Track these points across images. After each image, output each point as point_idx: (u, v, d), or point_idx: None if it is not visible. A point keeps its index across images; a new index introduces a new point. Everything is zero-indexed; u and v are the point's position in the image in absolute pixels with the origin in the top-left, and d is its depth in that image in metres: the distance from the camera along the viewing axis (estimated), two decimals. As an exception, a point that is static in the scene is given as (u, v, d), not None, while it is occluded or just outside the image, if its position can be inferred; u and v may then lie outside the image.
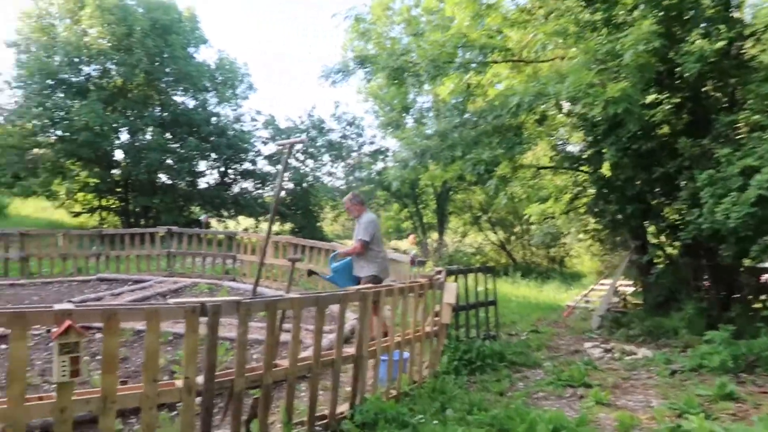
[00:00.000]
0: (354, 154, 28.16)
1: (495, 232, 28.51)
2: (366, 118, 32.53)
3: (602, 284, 11.75)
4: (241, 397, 3.56)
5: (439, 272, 6.65)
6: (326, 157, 28.62)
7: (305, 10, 78.27)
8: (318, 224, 28.87)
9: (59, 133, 22.27)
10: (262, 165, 28.28)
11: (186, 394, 3.30)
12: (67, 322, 2.85)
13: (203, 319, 3.36)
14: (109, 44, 21.43)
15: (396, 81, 8.28)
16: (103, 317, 3.04)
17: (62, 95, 22.31)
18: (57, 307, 3.00)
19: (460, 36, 7.76)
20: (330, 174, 29.06)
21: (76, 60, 21.77)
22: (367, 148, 27.81)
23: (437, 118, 23.37)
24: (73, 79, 22.25)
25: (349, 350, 4.41)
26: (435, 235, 27.90)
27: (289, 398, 3.89)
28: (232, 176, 28.16)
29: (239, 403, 3.55)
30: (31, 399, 2.97)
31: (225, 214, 26.87)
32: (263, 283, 10.58)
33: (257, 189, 28.33)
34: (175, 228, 11.79)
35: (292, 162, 28.55)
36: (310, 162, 28.82)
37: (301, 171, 28.04)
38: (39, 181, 23.34)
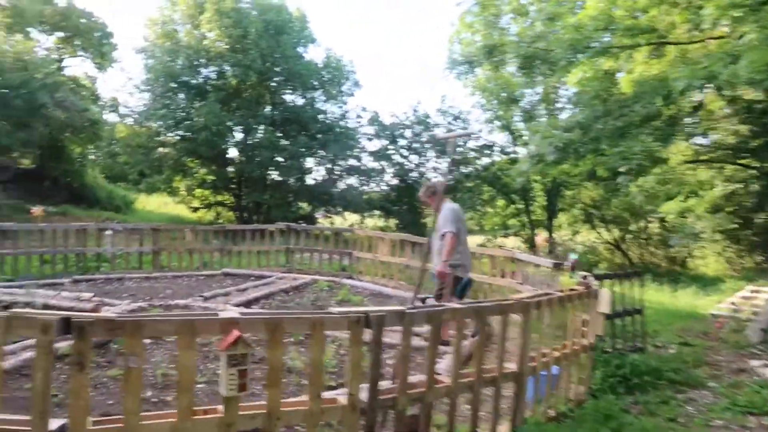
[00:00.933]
0: (459, 149, 27.53)
1: (608, 230, 26.86)
2: (473, 112, 31.45)
3: (755, 291, 10.47)
4: (403, 416, 3.26)
5: (584, 278, 6.04)
6: (430, 153, 28.28)
7: (404, 8, 78.34)
8: (422, 221, 28.62)
9: (180, 132, 23.62)
10: (367, 161, 28.50)
11: (350, 411, 3.04)
12: (236, 333, 2.66)
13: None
14: (226, 46, 22.33)
15: (526, 69, 7.71)
16: (269, 327, 2.84)
17: (183, 97, 23.60)
18: (222, 315, 2.82)
19: (602, 17, 7.05)
20: (434, 169, 28.70)
21: (196, 63, 22.88)
22: (472, 143, 27.13)
23: (568, 108, 22.26)
24: (193, 82, 23.44)
25: (510, 366, 3.99)
26: (543, 233, 26.73)
27: (451, 417, 3.54)
28: (337, 173, 28.57)
29: (401, 422, 3.25)
30: (197, 412, 2.82)
31: (332, 210, 27.28)
32: (378, 281, 10.41)
33: (362, 185, 28.55)
34: (292, 224, 11.89)
35: (396, 157, 28.51)
36: (414, 157, 28.62)
37: (405, 166, 27.92)
38: (162, 178, 24.90)
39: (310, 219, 27.90)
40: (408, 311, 3.24)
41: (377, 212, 28.71)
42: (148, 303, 7.62)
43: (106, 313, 6.76)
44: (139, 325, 2.64)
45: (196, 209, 26.98)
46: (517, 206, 27.13)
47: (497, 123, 25.91)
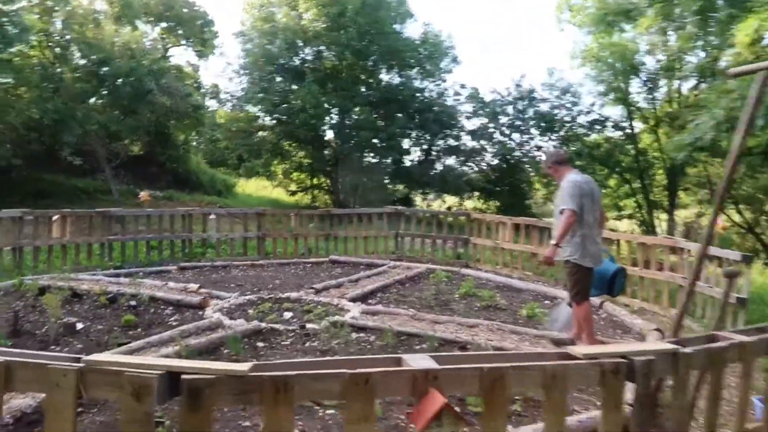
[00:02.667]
0: (567, 126, 25.48)
1: (739, 212, 23.96)
2: (584, 85, 28.83)
3: None
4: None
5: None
6: (534, 130, 26.43)
7: (500, -21, 74.98)
8: (526, 202, 26.95)
9: (278, 116, 23.45)
10: (466, 141, 27.15)
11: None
12: (439, 399, 1.68)
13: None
14: (323, 26, 21.74)
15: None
16: (484, 381, 1.83)
17: (281, 80, 23.34)
18: (413, 364, 1.85)
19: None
20: (538, 148, 26.82)
21: (294, 45, 22.49)
22: (582, 118, 25.00)
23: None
24: (291, 64, 23.10)
25: None
26: (662, 215, 24.27)
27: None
28: (435, 153, 27.45)
29: None
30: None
31: (429, 192, 26.26)
32: (500, 271, 9.27)
33: (461, 166, 27.26)
34: (402, 208, 10.98)
35: (497, 136, 26.90)
36: (516, 136, 26.89)
37: (507, 145, 26.29)
38: (260, 162, 24.94)
39: (407, 202, 27.07)
40: (683, 352, 2.12)
41: (477, 194, 27.36)
42: (257, 296, 6.96)
43: (214, 306, 6.13)
44: (285, 386, 1.73)
45: (293, 192, 26.95)
46: (633, 186, 24.73)
47: (610, 96, 23.62)
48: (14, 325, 5.20)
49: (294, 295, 7.01)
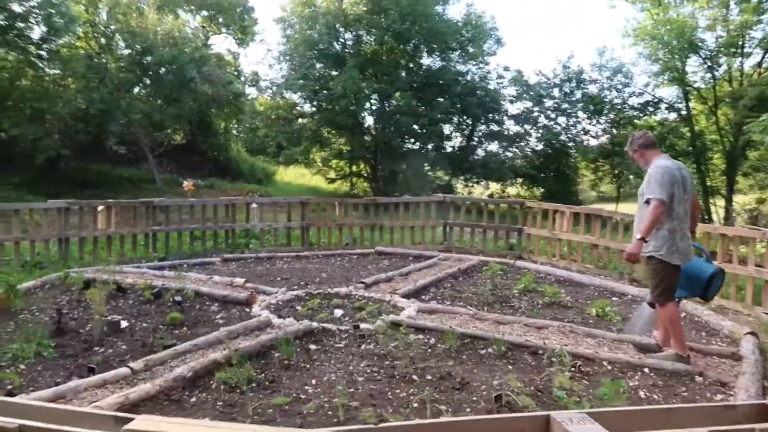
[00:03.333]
0: (617, 108, 24.36)
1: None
2: (638, 64, 27.46)
3: None
4: None
5: None
6: (581, 113, 25.41)
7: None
8: (573, 188, 26.03)
9: (317, 103, 23.16)
10: (509, 125, 26.35)
11: None
12: None
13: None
14: (364, 9, 21.26)
15: None
16: None
17: (321, 66, 23.01)
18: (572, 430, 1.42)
19: None
20: (585, 132, 25.81)
21: (334, 29, 22.08)
22: (634, 100, 23.89)
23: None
24: (331, 50, 22.73)
25: None
26: (719, 202, 23.05)
27: None
28: (477, 138, 26.76)
29: None
30: None
31: (473, 179, 25.62)
32: (557, 264, 8.72)
33: (505, 151, 26.51)
34: (451, 196, 10.50)
35: (542, 120, 25.99)
36: (562, 119, 25.93)
37: (553, 129, 25.36)
38: (300, 150, 24.72)
39: (449, 189, 26.49)
40: None
41: (520, 180, 26.56)
42: (304, 291, 6.63)
43: (261, 302, 5.82)
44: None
45: (332, 180, 26.70)
46: (688, 171, 23.47)
47: (665, 76, 22.42)
48: (58, 323, 4.99)
49: (343, 290, 6.65)
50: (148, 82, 19.34)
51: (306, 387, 3.91)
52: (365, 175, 26.09)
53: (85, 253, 8.68)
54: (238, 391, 3.78)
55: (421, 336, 4.99)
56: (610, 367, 4.39)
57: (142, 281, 6.74)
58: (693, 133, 22.24)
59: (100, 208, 9.06)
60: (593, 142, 25.56)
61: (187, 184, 10.03)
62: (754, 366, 4.24)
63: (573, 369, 4.26)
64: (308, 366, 4.31)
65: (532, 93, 25.40)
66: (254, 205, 10.50)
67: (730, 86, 21.17)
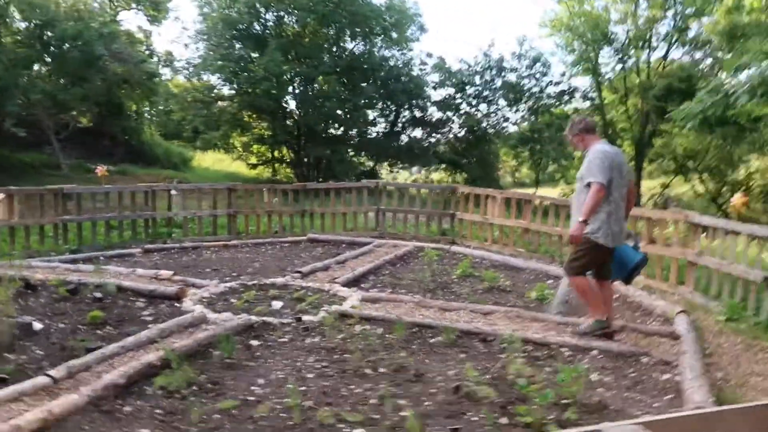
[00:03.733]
0: (535, 96, 25.13)
1: (703, 182, 24.40)
2: (555, 54, 28.50)
3: None
4: None
5: None
6: (502, 101, 26.04)
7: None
8: (495, 174, 26.70)
9: (236, 86, 22.25)
10: (432, 111, 26.56)
11: None
12: None
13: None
14: (286, -13, 20.59)
15: None
16: None
17: (241, 46, 22.08)
18: None
19: None
20: (506, 119, 26.51)
21: (255, 9, 21.23)
22: (551, 89, 24.73)
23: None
24: (252, 30, 21.87)
25: None
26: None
27: None
28: (401, 125, 26.78)
29: None
30: None
31: (398, 164, 25.66)
32: (490, 248, 8.82)
33: (428, 137, 26.72)
34: (383, 182, 10.35)
35: (464, 107, 26.42)
36: (483, 106, 26.47)
37: (475, 116, 25.84)
38: (219, 135, 23.74)
39: (373, 174, 26.41)
40: None
41: (443, 166, 26.91)
42: (238, 282, 6.27)
43: (193, 296, 5.43)
44: None
45: (254, 166, 25.89)
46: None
47: (580, 66, 23.36)
48: (-43, 327, 4.37)
49: (279, 280, 6.35)
50: (49, 59, 17.81)
51: (252, 388, 3.63)
52: (288, 160, 25.49)
53: (-17, 247, 7.82)
54: (178, 396, 3.44)
55: (367, 326, 4.80)
56: (559, 351, 4.41)
57: (54, 276, 6.11)
58: (605, 121, 23.37)
59: (0, 196, 8.17)
60: (513, 129, 26.32)
61: (101, 169, 9.25)
62: (693, 344, 4.39)
63: (525, 354, 4.23)
64: (252, 364, 4.02)
65: (454, 80, 25.69)
66: (174, 192, 9.88)
67: (638, 77, 22.42)
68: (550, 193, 22.52)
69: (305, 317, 4.95)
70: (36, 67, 18.27)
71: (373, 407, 3.34)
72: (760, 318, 5.37)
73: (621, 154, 4.74)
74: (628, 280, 4.95)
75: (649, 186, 25.63)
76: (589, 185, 4.50)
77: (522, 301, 5.94)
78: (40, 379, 3.45)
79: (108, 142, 22.15)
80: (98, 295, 5.49)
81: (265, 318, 4.90)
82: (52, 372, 3.54)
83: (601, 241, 4.54)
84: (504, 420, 3.27)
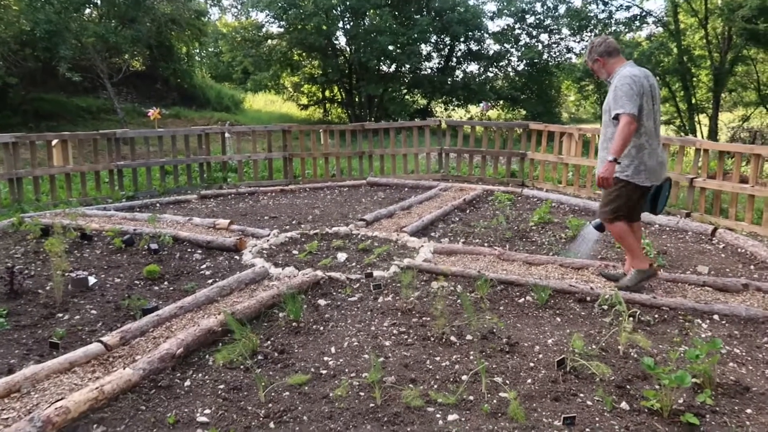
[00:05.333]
0: (602, 23, 23.20)
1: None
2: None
3: None
4: None
5: None
6: (565, 30, 24.24)
7: None
8: (556, 110, 25.23)
9: (287, 23, 21.44)
10: (489, 44, 25.04)
11: None
12: None
13: None
14: None
15: None
16: None
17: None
18: None
19: None
20: (569, 50, 24.77)
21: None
22: (621, 15, 22.79)
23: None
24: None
25: None
26: (704, 119, 22.59)
27: None
28: (456, 59, 25.43)
29: None
30: None
31: (454, 101, 24.54)
32: (565, 191, 8.09)
33: (484, 72, 25.35)
34: (447, 120, 9.62)
35: (524, 38, 24.79)
36: (544, 37, 24.78)
37: (536, 48, 24.22)
38: (269, 75, 23.22)
39: (427, 113, 25.43)
40: None
41: (501, 102, 25.58)
42: (299, 232, 5.83)
43: (252, 248, 5.04)
44: None
45: (305, 107, 25.38)
46: (673, 88, 22.86)
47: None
48: (10, 283, 4.13)
49: (343, 229, 5.88)
50: (98, 1, 17.46)
51: (324, 358, 3.20)
52: (339, 100, 24.82)
53: (42, 195, 7.69)
54: (242, 368, 3.05)
55: (445, 283, 4.29)
56: (672, 314, 3.79)
57: (109, 226, 5.86)
58: (680, 49, 21.39)
59: (54, 142, 7.97)
60: (577, 61, 24.59)
61: (154, 112, 8.89)
62: (839, 308, 3.67)
63: (632, 319, 3.63)
64: (321, 328, 3.59)
65: (513, 8, 24.03)
66: (228, 135, 9.48)
67: (720, -4, 20.22)
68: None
69: (375, 272, 4.47)
70: (87, 10, 17.97)
71: (465, 385, 2.85)
72: None
73: (652, 76, 3.97)
74: (655, 209, 4.25)
75: (727, 118, 23.68)
76: (617, 118, 3.85)
77: (614, 252, 5.28)
78: (93, 347, 3.12)
79: (160, 85, 21.98)
80: (154, 246, 5.17)
81: (331, 273, 4.45)
82: (106, 338, 3.21)
83: (633, 179, 3.97)
84: (624, 405, 2.73)
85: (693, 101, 22.25)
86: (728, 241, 5.54)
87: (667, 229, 6.14)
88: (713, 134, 20.99)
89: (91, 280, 4.40)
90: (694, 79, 22.47)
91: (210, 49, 26.99)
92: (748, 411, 2.71)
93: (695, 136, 20.86)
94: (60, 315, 3.80)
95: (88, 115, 17.64)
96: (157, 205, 7.38)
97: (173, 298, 4.05)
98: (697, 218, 6.56)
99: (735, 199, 6.46)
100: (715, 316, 3.74)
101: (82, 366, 2.98)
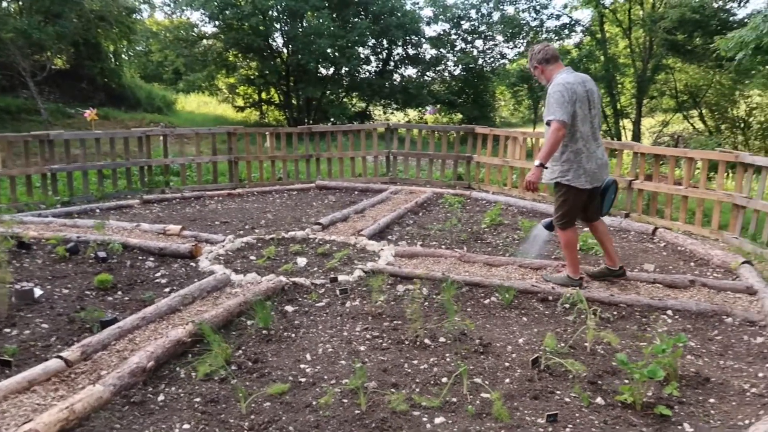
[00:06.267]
0: (534, 30, 24.07)
1: (704, 121, 23.88)
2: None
3: None
4: None
5: None
6: (499, 37, 24.97)
7: None
8: (491, 114, 25.90)
9: (223, 22, 20.94)
10: (426, 49, 25.41)
11: None
12: None
13: None
14: None
15: None
16: None
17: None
18: None
19: None
20: (503, 56, 25.53)
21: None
22: (551, 23, 23.68)
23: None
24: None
25: None
26: (628, 124, 23.85)
27: None
28: (393, 63, 25.64)
29: None
30: None
31: (393, 105, 24.70)
32: (510, 194, 8.33)
33: (422, 76, 25.69)
34: (395, 123, 9.68)
35: (459, 43, 25.33)
36: (479, 42, 25.40)
37: (471, 53, 24.81)
38: (203, 76, 22.61)
39: (367, 116, 25.50)
40: None
41: (438, 106, 25.98)
42: (254, 237, 5.71)
43: (208, 254, 4.89)
44: None
45: (241, 108, 24.85)
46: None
47: (582, -3, 22.25)
48: (-54, 298, 3.81)
49: (299, 233, 5.80)
50: (18, -7, 16.46)
51: (301, 365, 3.14)
52: (277, 102, 24.46)
53: (-34, 201, 7.14)
54: (216, 379, 2.95)
55: (410, 286, 4.31)
56: (629, 311, 3.97)
57: (50, 233, 5.51)
58: (606, 57, 22.50)
59: (-21, 144, 7.42)
60: (511, 67, 25.35)
61: (90, 113, 8.43)
62: (776, 301, 3.97)
63: (593, 317, 3.78)
64: (293, 335, 3.53)
65: (449, 14, 24.52)
66: (168, 136, 9.12)
67: (642, 9, 21.46)
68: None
69: (340, 277, 4.44)
70: (5, 3, 16.89)
71: (447, 388, 2.88)
72: (825, 266, 4.98)
73: (588, 80, 4.15)
74: (601, 210, 4.48)
75: (649, 123, 25.11)
76: (549, 123, 4.01)
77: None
78: (52, 363, 2.92)
79: (86, 85, 20.90)
80: (102, 254, 4.91)
81: (295, 279, 4.38)
82: (66, 353, 3.02)
83: (574, 183, 4.13)
84: (600, 400, 2.83)
85: (618, 107, 23.47)
86: (668, 239, 5.86)
87: (611, 229, 6.43)
88: (636, 138, 22.16)
89: (37, 291, 4.12)
90: (619, 85, 23.74)
91: (139, 48, 25.94)
92: (711, 400, 2.88)
93: (620, 140, 22.00)
94: (7, 330, 3.54)
95: (7, 116, 16.51)
96: (97, 210, 7.02)
97: (130, 309, 3.87)
98: (636, 218, 6.90)
99: (670, 200, 6.86)
100: (669, 312, 3.96)
101: (42, 384, 2.79)
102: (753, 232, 5.98)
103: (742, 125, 23.32)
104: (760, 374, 3.15)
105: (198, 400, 2.77)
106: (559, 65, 4.21)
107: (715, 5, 17.82)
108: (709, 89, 22.58)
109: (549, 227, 4.50)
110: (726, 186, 6.63)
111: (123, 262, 4.90)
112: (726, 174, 7.08)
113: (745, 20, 15.87)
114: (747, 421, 2.67)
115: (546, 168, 4.09)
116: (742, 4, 18.43)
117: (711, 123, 24.16)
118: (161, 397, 2.77)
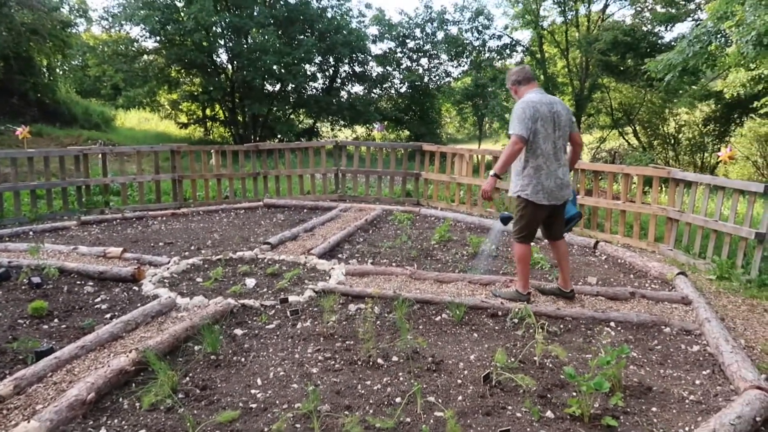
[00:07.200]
0: (477, 50, 24.71)
1: (637, 137, 25.07)
2: (501, 6, 28.19)
3: None
4: None
5: None
6: (444, 56, 25.51)
7: None
8: (438, 130, 26.32)
9: (164, 37, 20.51)
10: (372, 66, 25.68)
11: None
12: None
13: None
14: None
15: None
16: None
17: (168, -7, 20.26)
18: None
19: None
20: (447, 74, 26.06)
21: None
22: (493, 43, 24.37)
23: None
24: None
25: None
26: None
27: None
28: (340, 80, 25.77)
29: None
30: None
31: (340, 122, 24.76)
32: (458, 209, 8.47)
33: (368, 93, 25.90)
34: (343, 141, 9.69)
35: (405, 61, 25.73)
36: (424, 61, 25.86)
37: (417, 71, 25.22)
38: (144, 92, 22.08)
39: (314, 133, 25.45)
40: None
41: (386, 123, 26.23)
42: (200, 258, 5.56)
43: (152, 277, 4.73)
44: None
45: (184, 125, 24.33)
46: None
47: (521, 20, 23.07)
48: None
49: (248, 254, 5.69)
50: (-57, 5, 15.63)
51: (251, 390, 3.06)
52: (222, 119, 24.09)
53: None
54: (162, 409, 2.83)
55: (361, 305, 4.30)
56: (575, 324, 4.08)
57: (-22, 259, 5.20)
58: (546, 75, 23.36)
59: None
60: (456, 84, 25.92)
61: (23, 130, 8.04)
62: (710, 311, 4.17)
63: (541, 330, 3.86)
64: (243, 360, 3.44)
65: (394, 33, 24.89)
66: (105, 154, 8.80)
67: (578, 31, 22.46)
68: (492, 149, 22.45)
69: (290, 298, 4.38)
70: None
71: (401, 408, 2.87)
72: (751, 276, 5.28)
73: (557, 102, 4.33)
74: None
75: (587, 140, 26.13)
76: (509, 137, 4.22)
77: (512, 267, 5.59)
78: (-18, 400, 2.74)
79: (17, 100, 19.97)
80: (37, 279, 4.67)
81: (244, 301, 4.28)
82: (-3, 388, 2.84)
83: (532, 198, 4.26)
84: (549, 413, 2.89)
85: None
86: (609, 252, 6.09)
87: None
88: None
89: (-36, 321, 3.87)
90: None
91: (75, 62, 25.07)
92: (654, 409, 2.98)
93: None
94: (-69, 365, 3.30)
95: (-69, 133, 15.58)
96: (31, 233, 6.68)
97: (68, 338, 3.69)
98: (577, 232, 7.14)
99: (609, 214, 7.14)
100: (612, 323, 4.09)
101: (-29, 423, 2.61)
102: (686, 243, 6.30)
103: (673, 141, 24.59)
104: (697, 381, 3.29)
105: (143, 432, 2.65)
106: (532, 86, 4.35)
107: (645, 29, 18.82)
108: (641, 107, 23.76)
109: (504, 220, 4.62)
110: (660, 200, 6.96)
111: (60, 287, 4.67)
112: (660, 188, 7.44)
113: (672, 43, 16.85)
114: (687, 428, 2.78)
115: (501, 179, 4.27)
116: (668, 29, 19.45)
117: (644, 139, 25.39)
118: (103, 431, 2.64)
